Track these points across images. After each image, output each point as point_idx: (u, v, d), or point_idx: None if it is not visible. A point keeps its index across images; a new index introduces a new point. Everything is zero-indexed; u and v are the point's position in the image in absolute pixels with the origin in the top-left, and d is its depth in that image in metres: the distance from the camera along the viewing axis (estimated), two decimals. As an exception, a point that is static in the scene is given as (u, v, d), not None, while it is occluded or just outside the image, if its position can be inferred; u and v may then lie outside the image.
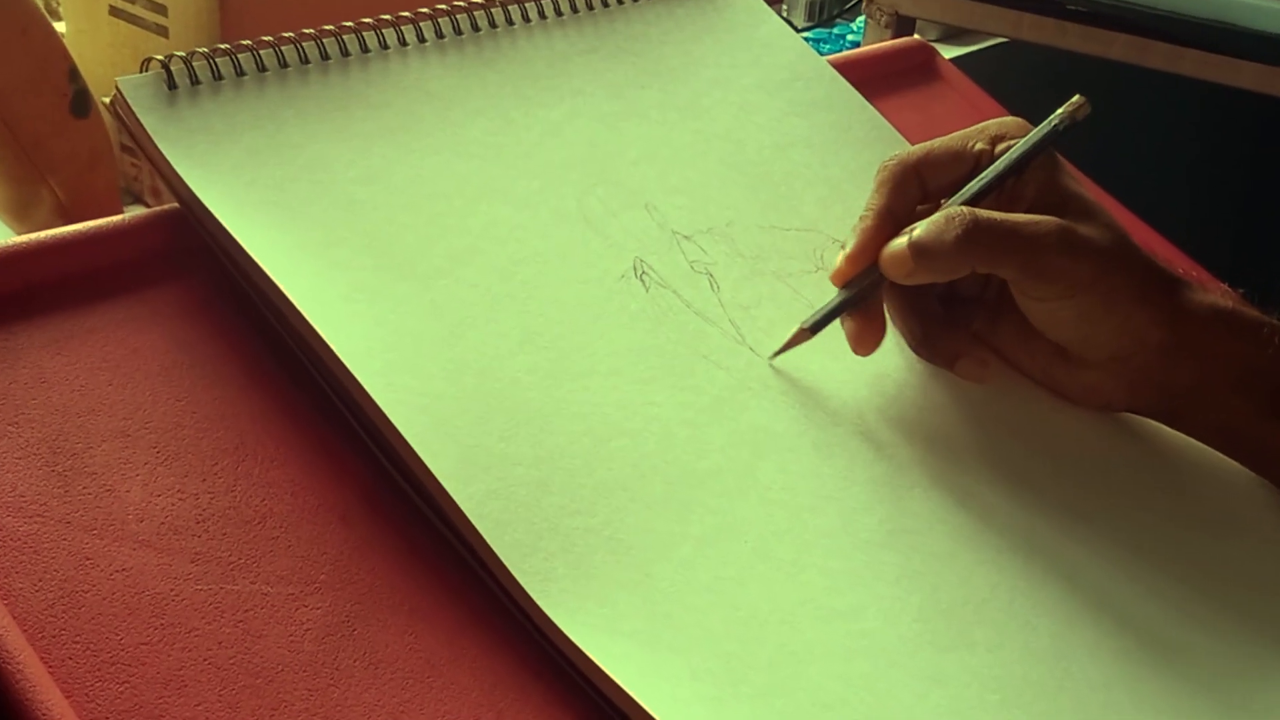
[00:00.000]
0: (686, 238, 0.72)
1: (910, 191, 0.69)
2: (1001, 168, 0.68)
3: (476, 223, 0.67)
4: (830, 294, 0.69)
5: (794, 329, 0.68)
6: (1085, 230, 0.66)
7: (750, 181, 0.76)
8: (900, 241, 0.67)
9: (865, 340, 0.68)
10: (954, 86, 0.95)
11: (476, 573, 0.58)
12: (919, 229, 0.66)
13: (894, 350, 0.71)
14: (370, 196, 0.66)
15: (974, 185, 0.69)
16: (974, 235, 0.65)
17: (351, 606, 0.56)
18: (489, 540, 0.57)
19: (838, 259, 0.69)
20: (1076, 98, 0.70)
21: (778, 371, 0.67)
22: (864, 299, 0.68)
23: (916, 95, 0.93)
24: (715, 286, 0.70)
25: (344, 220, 0.65)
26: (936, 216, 0.66)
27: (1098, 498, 0.68)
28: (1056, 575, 0.64)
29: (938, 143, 0.70)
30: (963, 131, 0.71)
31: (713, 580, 0.59)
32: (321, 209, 0.65)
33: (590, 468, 0.61)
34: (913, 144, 0.73)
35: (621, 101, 0.76)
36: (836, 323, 0.68)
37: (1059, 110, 0.69)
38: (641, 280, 0.69)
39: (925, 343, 0.70)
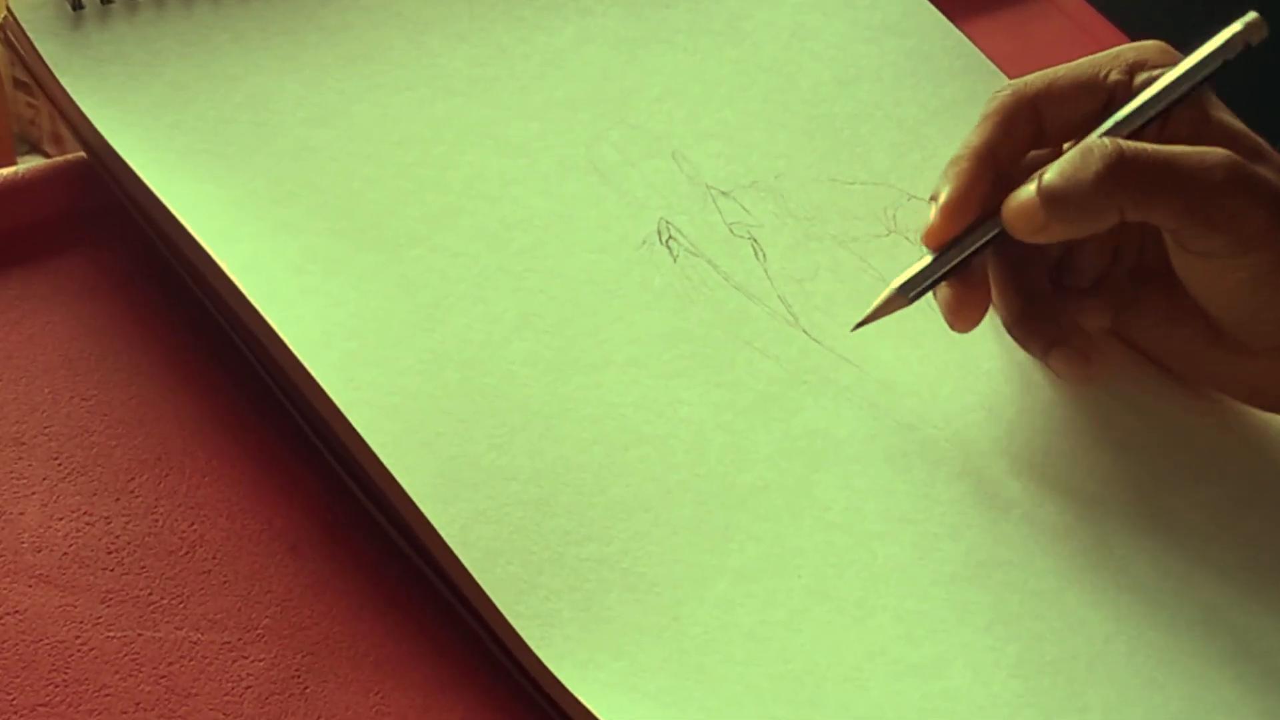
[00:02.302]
0: (724, 194, 0.72)
1: (1022, 130, 0.69)
2: (1147, 101, 0.67)
3: (460, 176, 0.68)
4: (906, 260, 0.69)
5: (885, 292, 0.68)
6: (1263, 170, 0.65)
7: (804, 124, 0.76)
8: (1028, 189, 0.66)
9: (966, 313, 0.68)
10: (1060, 4, 0.94)
11: (459, 615, 0.58)
12: (1050, 171, 0.65)
13: (988, 334, 0.71)
14: (326, 143, 0.66)
15: (1110, 123, 0.68)
16: (1121, 170, 0.64)
17: (302, 658, 0.56)
18: (476, 575, 0.57)
19: (930, 213, 0.68)
20: (1252, 15, 0.68)
21: (843, 359, 0.67)
22: (968, 263, 0.68)
23: (1012, 15, 0.93)
24: (760, 255, 0.70)
25: (293, 172, 0.65)
26: (1070, 153, 0.65)
27: (1244, 525, 0.68)
28: (1189, 621, 0.64)
29: (1062, 70, 0.69)
30: (1092, 57, 0.70)
31: (757, 625, 0.59)
32: (265, 158, 0.65)
33: (603, 484, 0.61)
34: (1010, 76, 0.72)
35: (642, 23, 0.76)
36: (925, 308, 0.68)
37: (1228, 30, 0.68)
38: (668, 247, 0.69)
39: (1022, 322, 0.70)
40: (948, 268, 0.67)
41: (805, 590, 0.60)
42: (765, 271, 0.69)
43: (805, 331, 0.68)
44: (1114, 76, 0.69)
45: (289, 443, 0.61)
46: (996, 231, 0.67)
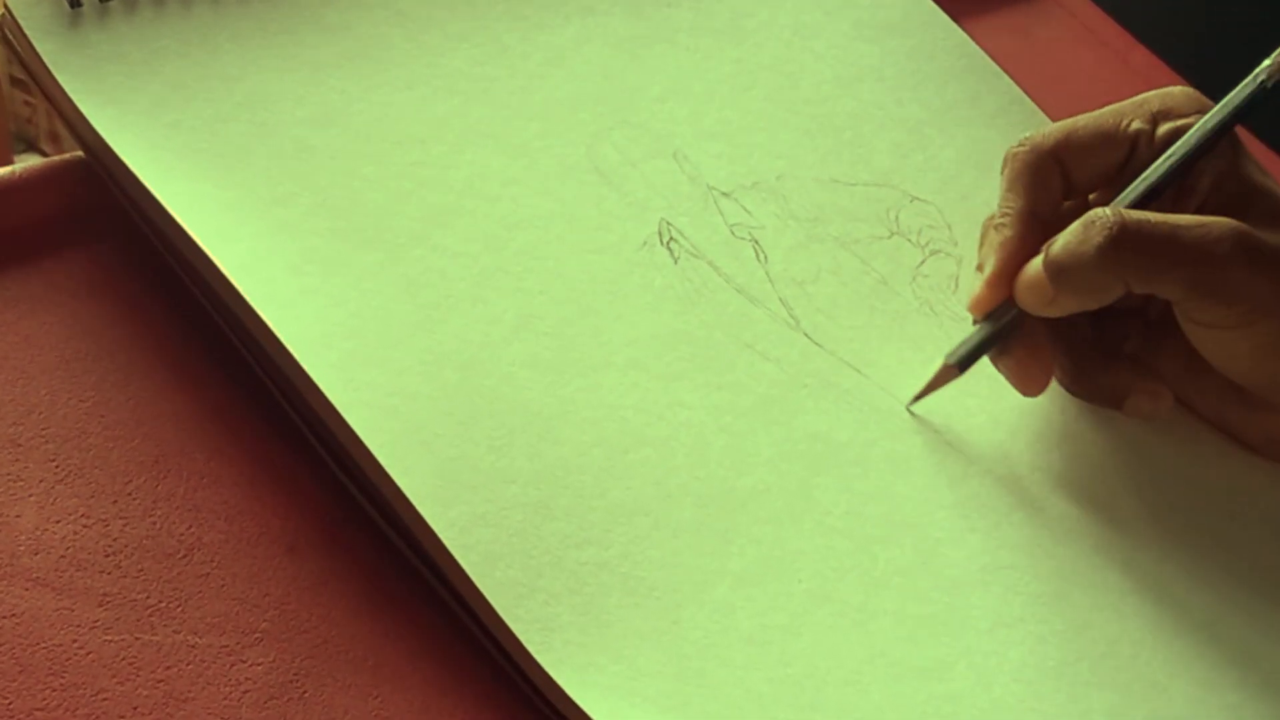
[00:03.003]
0: (725, 195, 0.71)
1: (1052, 185, 0.68)
2: (1177, 158, 0.66)
3: (460, 176, 0.67)
4: (908, 262, 0.69)
5: (937, 366, 0.67)
6: (1273, 237, 0.64)
7: (806, 124, 0.76)
8: (1035, 263, 0.66)
9: (1033, 378, 0.67)
10: (1064, 3, 0.94)
11: (459, 619, 0.58)
12: (1056, 243, 0.65)
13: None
14: (325, 142, 0.66)
15: (1138, 185, 0.67)
16: (1122, 243, 0.63)
17: (301, 662, 0.56)
18: (475, 578, 0.57)
19: (975, 285, 0.68)
20: (1276, 56, 0.68)
21: (844, 362, 0.67)
22: (1016, 327, 0.67)
23: (1016, 14, 0.92)
24: (762, 256, 0.70)
25: (292, 172, 0.65)
26: (1074, 225, 0.65)
27: (1248, 528, 0.67)
28: (1193, 625, 0.64)
29: (1081, 121, 0.69)
30: (1114, 107, 0.69)
31: (757, 629, 0.59)
32: (264, 158, 0.65)
33: (603, 486, 0.61)
34: (1014, 77, 0.72)
35: (643, 22, 0.76)
36: (928, 312, 0.68)
37: (1265, 63, 0.68)
38: (668, 248, 0.69)
39: (1080, 379, 0.69)
40: (997, 332, 0.67)
41: (806, 594, 0.60)
42: (766, 273, 0.69)
43: (806, 334, 0.68)
44: (1136, 126, 0.68)
45: (287, 444, 0.61)
46: None
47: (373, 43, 0.70)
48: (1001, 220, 0.68)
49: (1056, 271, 0.65)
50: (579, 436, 0.62)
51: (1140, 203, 0.66)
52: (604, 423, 0.62)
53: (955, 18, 0.83)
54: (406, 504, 0.58)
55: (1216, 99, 0.68)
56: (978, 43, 0.83)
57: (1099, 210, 0.65)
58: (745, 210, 0.71)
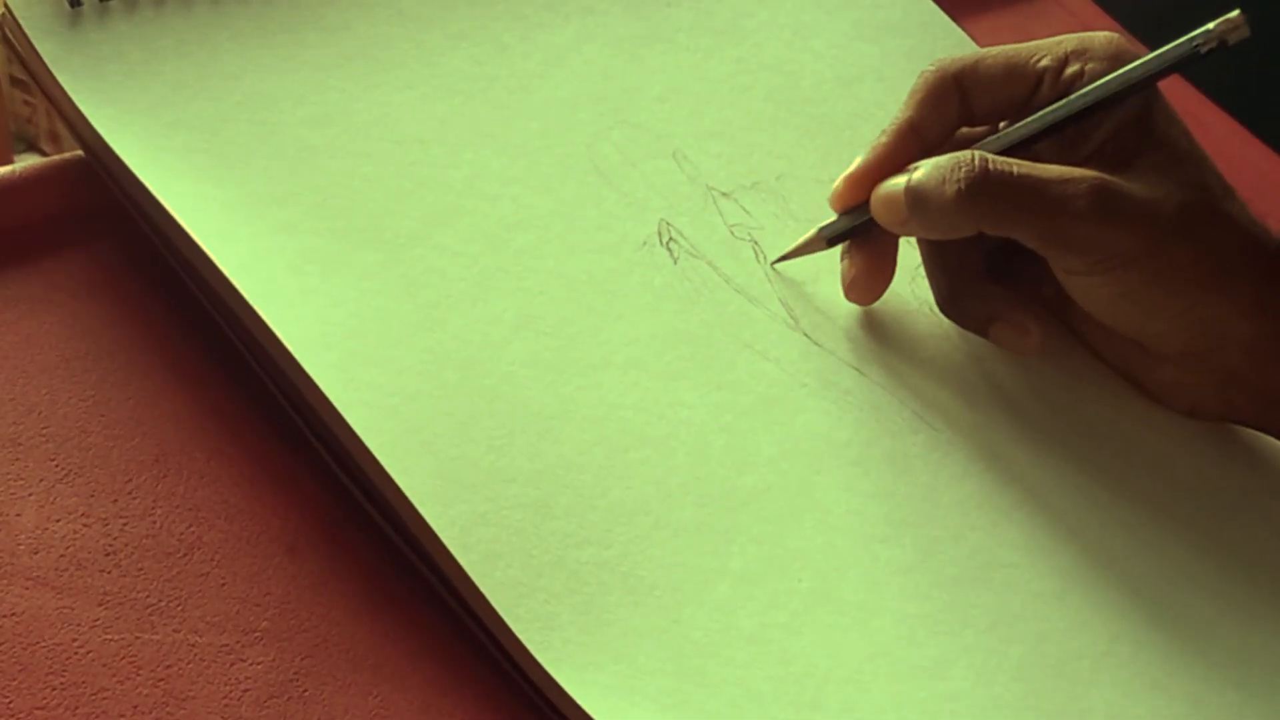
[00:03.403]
0: (725, 195, 0.71)
1: (948, 108, 0.69)
2: (1072, 106, 0.67)
3: (460, 176, 0.67)
4: (909, 262, 0.69)
5: (809, 233, 0.69)
6: (1138, 190, 0.65)
7: (805, 124, 0.76)
8: (898, 181, 0.67)
9: (865, 285, 0.68)
10: (1063, 2, 0.94)
11: (459, 618, 0.58)
12: (920, 169, 0.66)
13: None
14: (325, 142, 0.66)
15: (1025, 125, 0.68)
16: (980, 188, 0.65)
17: (300, 661, 0.56)
18: (475, 577, 0.57)
19: (838, 178, 0.69)
20: (1234, 14, 0.68)
21: (844, 361, 0.67)
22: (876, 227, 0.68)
23: (1015, 13, 0.93)
24: (761, 256, 0.70)
25: (292, 172, 0.65)
26: (943, 159, 0.66)
27: (1248, 526, 0.67)
28: (1193, 624, 0.64)
29: (994, 51, 0.69)
30: (1031, 43, 0.70)
31: (758, 628, 0.59)
32: (264, 158, 0.65)
33: (603, 486, 0.61)
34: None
35: (643, 22, 0.76)
36: (927, 311, 0.69)
37: (1203, 28, 0.68)
38: (668, 248, 0.68)
39: (953, 300, 0.70)
40: (867, 222, 0.68)
41: (806, 593, 0.60)
42: (766, 274, 0.69)
43: (806, 334, 0.68)
44: (1044, 63, 0.68)
45: (287, 444, 0.61)
46: None
47: (373, 42, 0.70)
48: (887, 126, 0.69)
49: (912, 199, 0.66)
50: (579, 436, 0.62)
51: (1023, 143, 0.67)
52: (604, 422, 0.62)
53: (955, 17, 0.83)
54: (407, 503, 0.58)
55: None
56: (977, 42, 0.83)
57: (966, 152, 0.66)
58: (745, 210, 0.71)
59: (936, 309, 0.70)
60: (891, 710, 0.58)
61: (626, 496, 0.61)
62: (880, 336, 0.68)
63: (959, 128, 0.69)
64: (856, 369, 0.67)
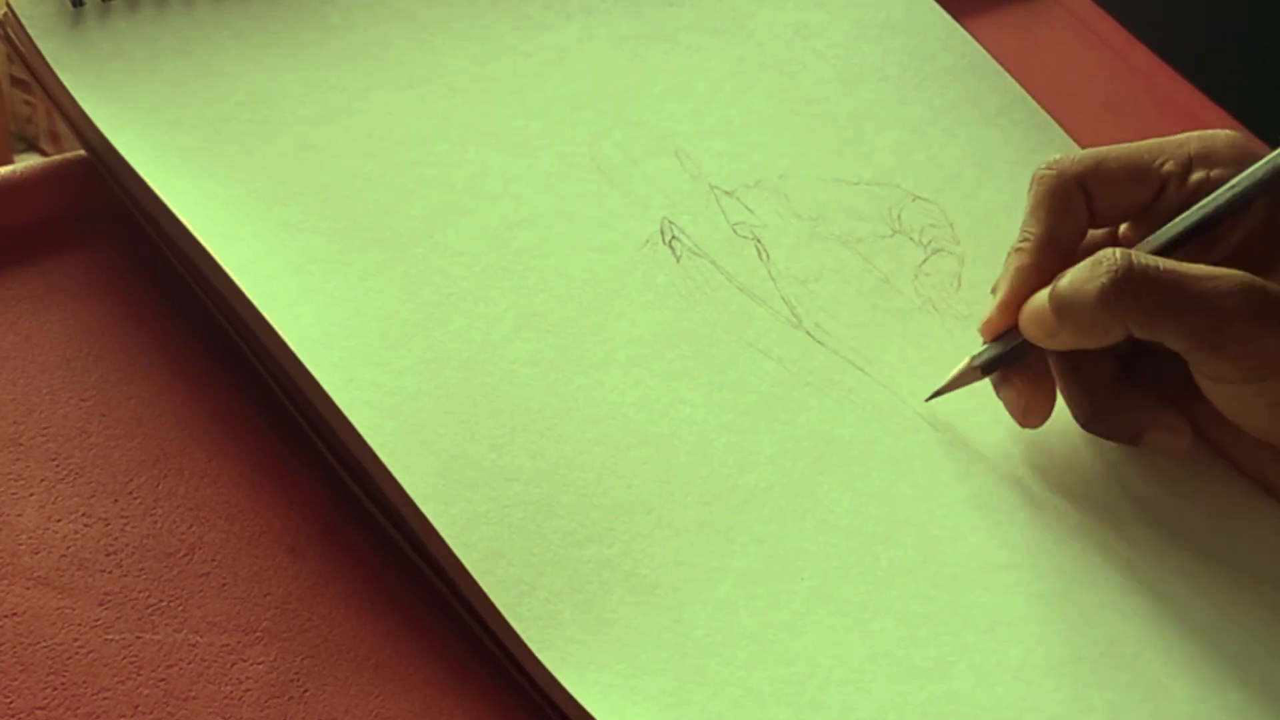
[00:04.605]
0: (727, 193, 0.71)
1: (1077, 212, 0.67)
2: (1208, 210, 0.65)
3: (461, 174, 0.67)
4: (910, 260, 0.68)
5: (961, 364, 0.67)
6: None
7: (808, 123, 0.76)
8: (1042, 295, 0.65)
9: (1032, 409, 0.66)
10: (1065, 3, 0.94)
11: (461, 617, 0.58)
12: (1064, 277, 0.64)
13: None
14: (327, 141, 0.66)
15: (1164, 233, 0.65)
16: (1125, 287, 0.62)
17: (302, 661, 0.56)
18: (477, 576, 0.57)
19: (988, 309, 0.67)
20: None
21: (846, 360, 0.67)
22: (1027, 353, 0.66)
23: (1017, 13, 0.92)
24: (764, 255, 0.70)
25: (294, 171, 0.65)
26: (1085, 262, 0.64)
27: (1249, 526, 0.67)
28: (1194, 624, 0.63)
29: (1114, 152, 0.67)
30: (1152, 142, 0.68)
31: (760, 627, 0.59)
32: (266, 156, 0.65)
33: (605, 484, 0.61)
34: (1015, 76, 0.72)
35: (644, 21, 0.76)
36: (929, 310, 0.68)
37: None
38: (670, 247, 0.68)
39: (1098, 416, 0.67)
40: (1019, 344, 0.66)
41: (808, 592, 0.60)
42: (769, 272, 0.69)
43: (809, 333, 0.68)
44: (1169, 167, 0.67)
45: (289, 443, 0.61)
46: None
47: (374, 41, 0.70)
48: (1021, 245, 0.67)
49: (1059, 306, 0.64)
50: (581, 434, 0.62)
51: (1163, 250, 0.65)
52: (606, 421, 0.62)
53: (957, 16, 0.83)
54: (408, 502, 0.58)
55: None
56: (979, 42, 0.83)
57: (1108, 250, 0.63)
58: (747, 209, 0.71)
59: (938, 309, 0.70)
60: (892, 710, 0.58)
61: (628, 495, 0.61)
62: (883, 335, 0.68)
63: (1089, 229, 0.67)
64: (859, 368, 0.67)
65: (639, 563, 0.59)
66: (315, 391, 0.59)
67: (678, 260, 0.68)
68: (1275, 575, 0.66)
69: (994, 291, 0.67)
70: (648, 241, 0.68)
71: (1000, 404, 0.67)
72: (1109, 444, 0.68)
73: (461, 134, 0.69)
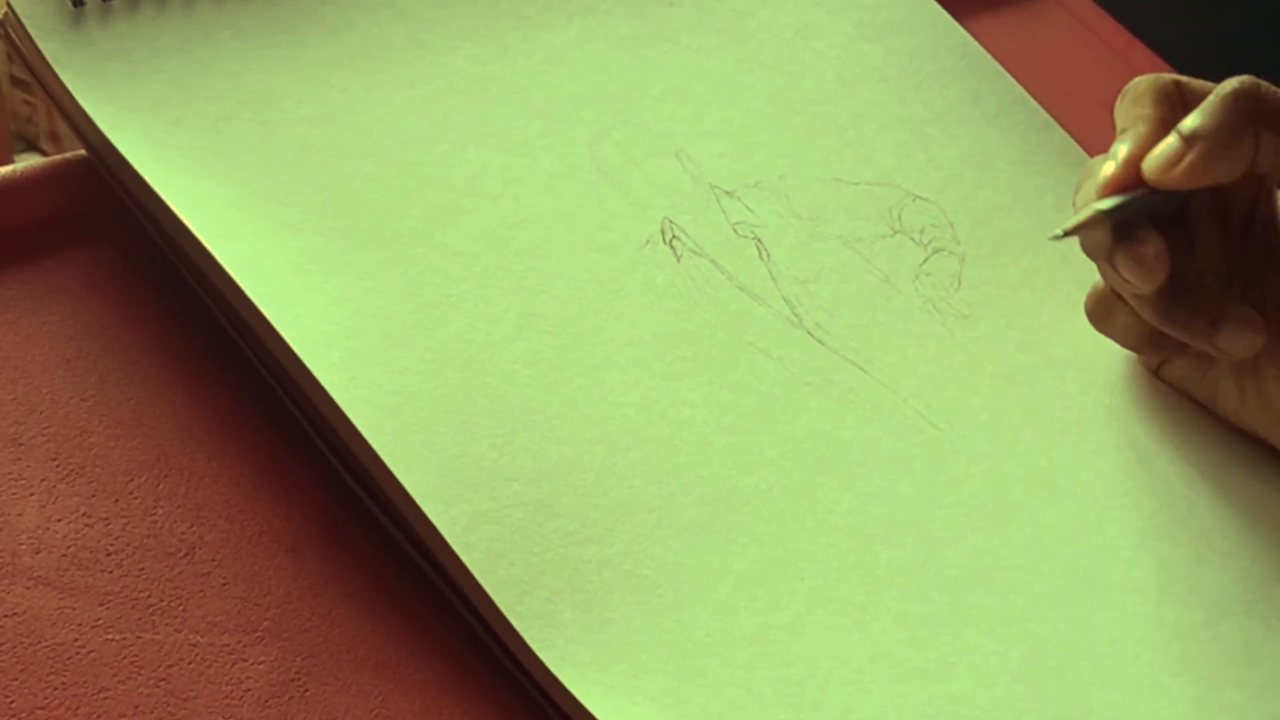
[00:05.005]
0: (728, 194, 0.71)
1: (1178, 109, 0.68)
2: None
3: (462, 175, 0.67)
4: (911, 260, 0.68)
5: (1087, 210, 0.66)
6: None
7: (808, 123, 0.76)
8: (1170, 138, 0.66)
9: (1152, 266, 0.65)
10: (1065, 3, 0.94)
11: (462, 617, 0.58)
12: (1190, 116, 0.66)
13: (992, 336, 0.70)
14: (327, 141, 0.66)
15: None
16: (1254, 92, 0.65)
17: (302, 661, 0.56)
18: (477, 575, 0.57)
19: (1103, 169, 0.67)
20: None
21: (847, 360, 0.67)
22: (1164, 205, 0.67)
23: (1018, 13, 0.92)
24: (764, 255, 0.70)
25: (295, 171, 0.65)
26: (1209, 97, 0.66)
27: (1250, 526, 0.67)
28: (1194, 625, 0.63)
29: (1195, 82, 0.69)
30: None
31: (760, 628, 0.59)
32: (266, 156, 0.65)
33: (605, 485, 0.60)
34: (1016, 76, 0.72)
35: (645, 22, 0.76)
36: (930, 310, 0.68)
37: None
38: (671, 247, 0.68)
39: (1176, 304, 0.67)
40: (1151, 199, 0.67)
41: (808, 593, 0.60)
42: (769, 272, 0.69)
43: (809, 332, 0.68)
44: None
45: (289, 443, 0.61)
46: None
47: (375, 42, 0.70)
48: (1136, 123, 0.68)
49: (1189, 128, 0.65)
50: (581, 435, 0.61)
51: None
52: (606, 421, 0.62)
53: (957, 17, 0.83)
54: (409, 502, 0.58)
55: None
56: (979, 42, 0.83)
57: (1229, 80, 0.66)
58: (748, 209, 0.71)
59: (938, 309, 0.70)
60: (893, 711, 0.58)
61: (628, 495, 0.61)
62: (883, 335, 0.68)
63: None
64: (859, 368, 0.67)
65: (639, 563, 0.59)
66: (316, 391, 0.59)
67: (678, 260, 0.68)
68: (1275, 578, 0.66)
69: (1112, 158, 0.67)
70: (648, 242, 0.68)
71: (1000, 404, 0.67)
72: (1109, 445, 0.68)
73: (462, 134, 0.68)
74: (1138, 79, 0.69)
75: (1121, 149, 0.67)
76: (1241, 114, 0.65)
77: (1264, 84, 0.65)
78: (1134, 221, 0.66)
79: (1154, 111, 0.68)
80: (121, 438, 0.59)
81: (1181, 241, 0.68)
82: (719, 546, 0.60)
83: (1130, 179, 0.67)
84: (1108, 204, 0.66)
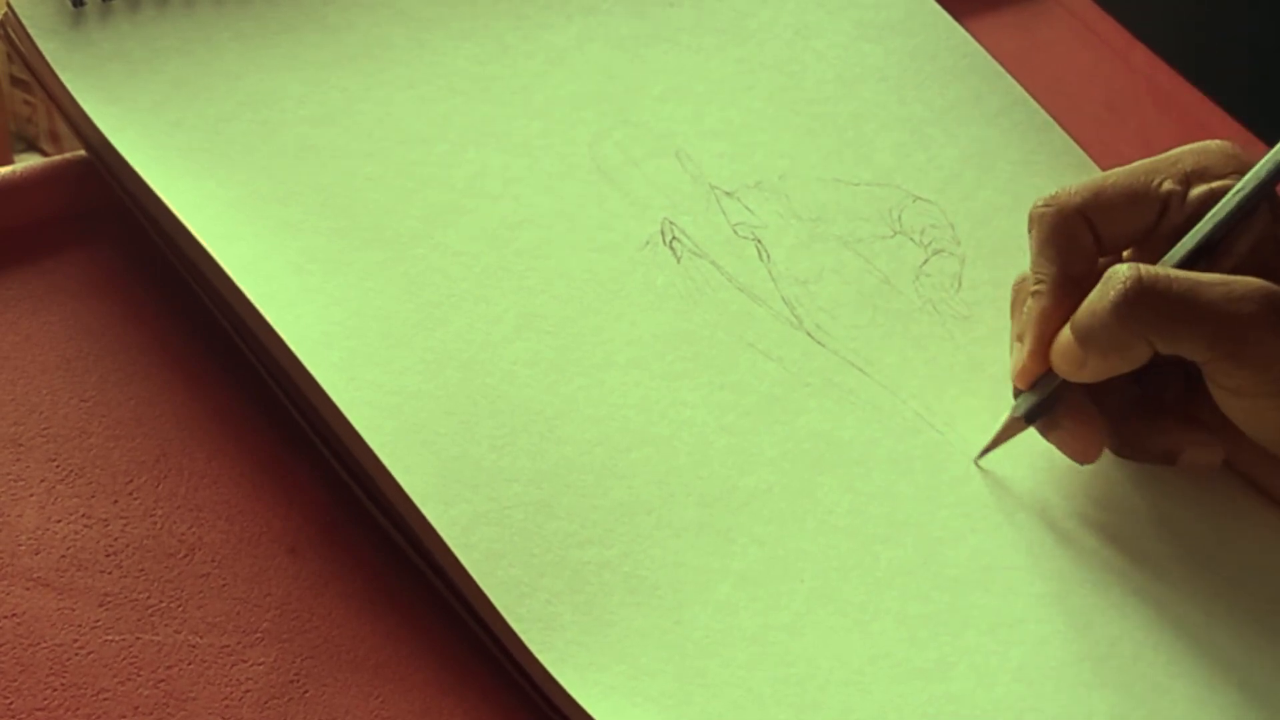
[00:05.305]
0: (728, 194, 0.71)
1: (1083, 244, 0.66)
2: (1213, 223, 0.64)
3: (462, 175, 0.67)
4: (912, 261, 0.68)
5: (1003, 418, 0.66)
6: None
7: (808, 124, 0.76)
8: (1067, 330, 0.64)
9: (1086, 444, 0.65)
10: (1065, 3, 0.94)
11: (461, 618, 0.58)
12: (1083, 306, 0.63)
13: (992, 336, 0.70)
14: (327, 141, 0.66)
15: (1175, 253, 0.65)
16: (1139, 300, 0.62)
17: (302, 662, 0.56)
18: (477, 577, 0.57)
19: (1016, 357, 0.66)
20: None
21: (847, 361, 0.67)
22: (1064, 394, 0.66)
23: (1018, 13, 0.92)
24: (764, 255, 0.70)
25: (294, 171, 0.65)
26: (1098, 284, 0.63)
27: (1250, 527, 0.67)
28: (1194, 625, 0.63)
29: (1110, 179, 0.66)
30: (1146, 163, 0.67)
31: (760, 629, 0.59)
32: (266, 157, 0.65)
33: (605, 486, 0.60)
34: (1016, 76, 0.72)
35: (645, 22, 0.76)
36: (930, 311, 0.68)
37: None
38: (671, 248, 0.68)
39: (1129, 442, 0.67)
40: (1058, 386, 0.65)
41: (808, 593, 0.60)
42: (769, 272, 0.69)
43: (809, 333, 0.68)
44: (1167, 186, 0.66)
45: (289, 444, 0.61)
46: None
47: (375, 42, 0.70)
48: (1036, 288, 0.66)
49: (1081, 335, 0.63)
50: (581, 435, 0.61)
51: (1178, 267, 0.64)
52: (606, 422, 0.62)
53: (957, 17, 0.83)
54: (408, 503, 0.58)
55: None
56: (979, 42, 0.83)
57: (1117, 266, 0.63)
58: (748, 209, 0.71)
59: (938, 310, 0.69)
60: (893, 711, 0.58)
61: (628, 496, 0.61)
62: (883, 336, 0.68)
63: (1098, 258, 0.66)
64: (859, 369, 0.67)
65: (639, 564, 0.59)
66: (315, 392, 0.59)
67: (678, 261, 0.68)
68: (1276, 579, 0.66)
69: (1019, 339, 0.66)
70: (648, 242, 0.68)
71: (1000, 405, 0.67)
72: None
73: (461, 134, 0.68)
74: (1039, 207, 0.66)
75: (1028, 335, 0.65)
76: (1125, 326, 0.62)
77: (1146, 276, 0.62)
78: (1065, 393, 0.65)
79: (1057, 268, 0.65)
80: (121, 438, 0.59)
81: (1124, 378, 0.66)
82: (719, 547, 0.60)
83: (1041, 368, 0.65)
84: (1022, 408, 0.66)
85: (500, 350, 0.63)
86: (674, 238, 0.68)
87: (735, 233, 0.70)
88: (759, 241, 0.70)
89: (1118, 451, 0.67)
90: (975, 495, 0.65)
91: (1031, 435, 0.66)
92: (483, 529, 0.58)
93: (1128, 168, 0.66)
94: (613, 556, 0.59)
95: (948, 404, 0.67)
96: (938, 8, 0.83)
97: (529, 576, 0.57)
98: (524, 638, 0.56)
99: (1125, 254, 0.67)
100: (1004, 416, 0.66)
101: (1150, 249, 0.66)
